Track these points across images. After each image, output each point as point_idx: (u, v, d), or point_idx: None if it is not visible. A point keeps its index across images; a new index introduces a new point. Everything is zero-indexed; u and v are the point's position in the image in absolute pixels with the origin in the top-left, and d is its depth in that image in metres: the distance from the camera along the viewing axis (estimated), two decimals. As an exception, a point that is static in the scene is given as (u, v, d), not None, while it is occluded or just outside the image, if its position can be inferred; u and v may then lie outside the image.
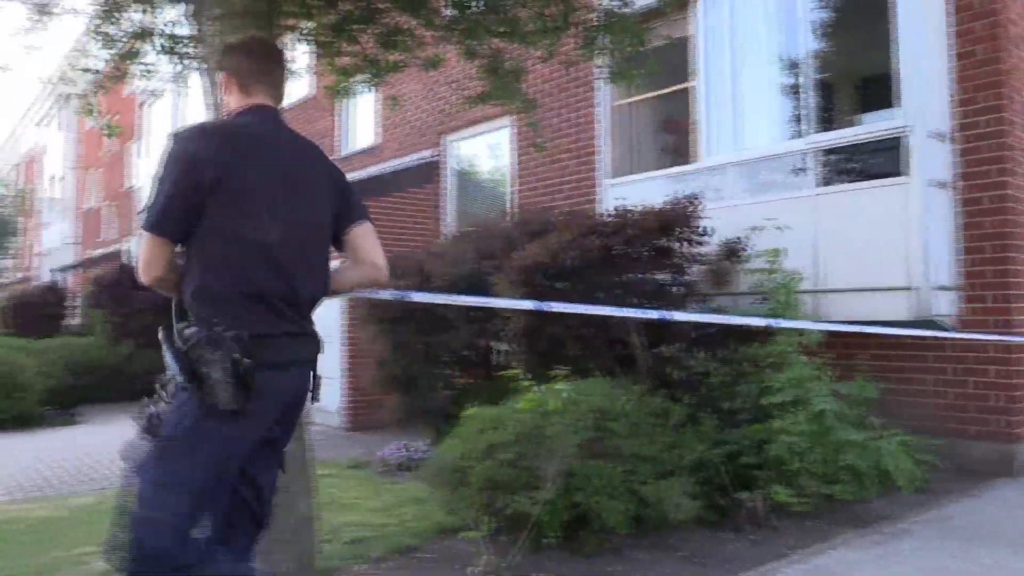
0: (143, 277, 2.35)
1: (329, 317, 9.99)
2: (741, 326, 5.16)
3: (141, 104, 21.12)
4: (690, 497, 4.43)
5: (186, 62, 4.84)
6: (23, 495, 6.68)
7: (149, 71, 4.88)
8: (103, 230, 26.94)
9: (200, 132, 2.38)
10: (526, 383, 4.76)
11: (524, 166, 9.54)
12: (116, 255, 23.60)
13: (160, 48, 4.67)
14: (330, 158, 2.63)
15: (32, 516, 5.79)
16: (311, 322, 2.37)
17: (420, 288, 7.13)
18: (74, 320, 21.65)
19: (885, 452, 4.84)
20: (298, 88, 14.57)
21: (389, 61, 5.32)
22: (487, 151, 10.63)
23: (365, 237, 2.46)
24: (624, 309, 5.08)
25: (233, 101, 2.49)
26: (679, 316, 4.95)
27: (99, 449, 8.85)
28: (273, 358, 2.20)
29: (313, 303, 2.38)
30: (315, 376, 2.36)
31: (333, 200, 2.42)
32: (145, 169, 21.23)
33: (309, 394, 2.37)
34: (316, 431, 10.13)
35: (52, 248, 32.39)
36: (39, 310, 20.21)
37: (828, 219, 6.45)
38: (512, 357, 6.38)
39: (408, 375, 7.73)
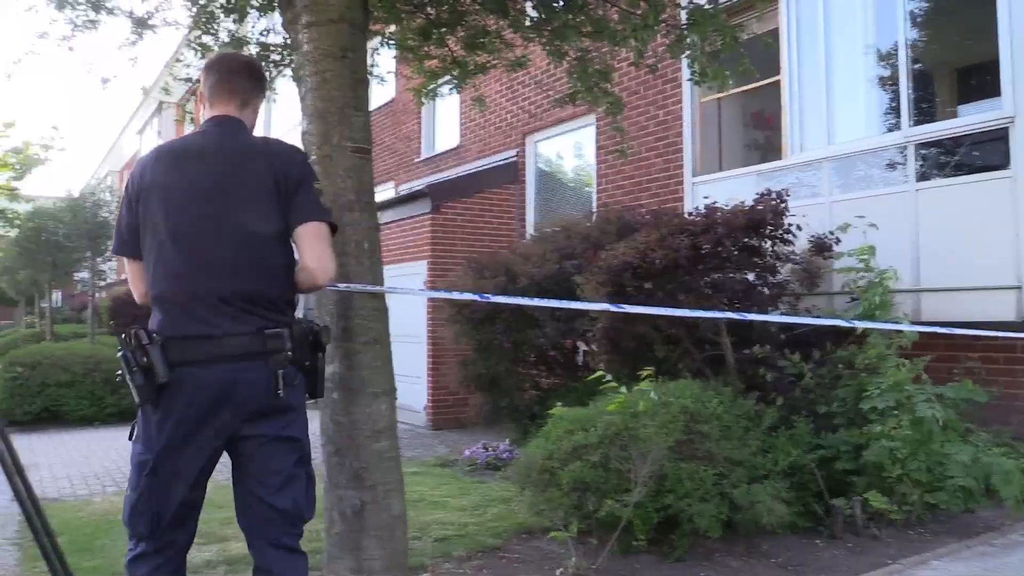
0: (136, 299, 2.57)
1: (415, 317, 10.13)
2: (831, 326, 5.00)
3: (234, 111, 21.81)
4: (783, 502, 4.31)
5: (276, 69, 4.96)
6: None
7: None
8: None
9: (140, 158, 2.55)
10: (613, 384, 4.71)
11: (608, 164, 9.47)
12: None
13: (256, 56, 4.80)
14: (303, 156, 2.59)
15: (136, 508, 6.03)
16: (243, 319, 2.35)
17: (506, 288, 7.16)
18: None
19: (996, 470, 4.58)
20: (383, 93, 14.83)
21: (475, 63, 5.35)
22: (570, 150, 10.59)
23: (303, 237, 2.42)
24: (700, 311, 4.99)
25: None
26: (763, 318, 4.83)
27: (197, 444, 9.19)
28: (179, 357, 2.31)
29: (245, 300, 2.35)
30: (269, 371, 2.33)
31: (274, 201, 2.39)
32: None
33: (258, 389, 2.35)
34: (402, 429, 10.23)
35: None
36: (139, 310, 21.04)
37: (927, 215, 6.19)
38: (598, 357, 6.33)
39: (493, 375, 7.77)
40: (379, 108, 15.06)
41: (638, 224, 7.09)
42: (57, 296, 32.54)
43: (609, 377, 4.83)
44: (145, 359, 2.28)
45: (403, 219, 10.64)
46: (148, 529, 2.41)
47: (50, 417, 10.69)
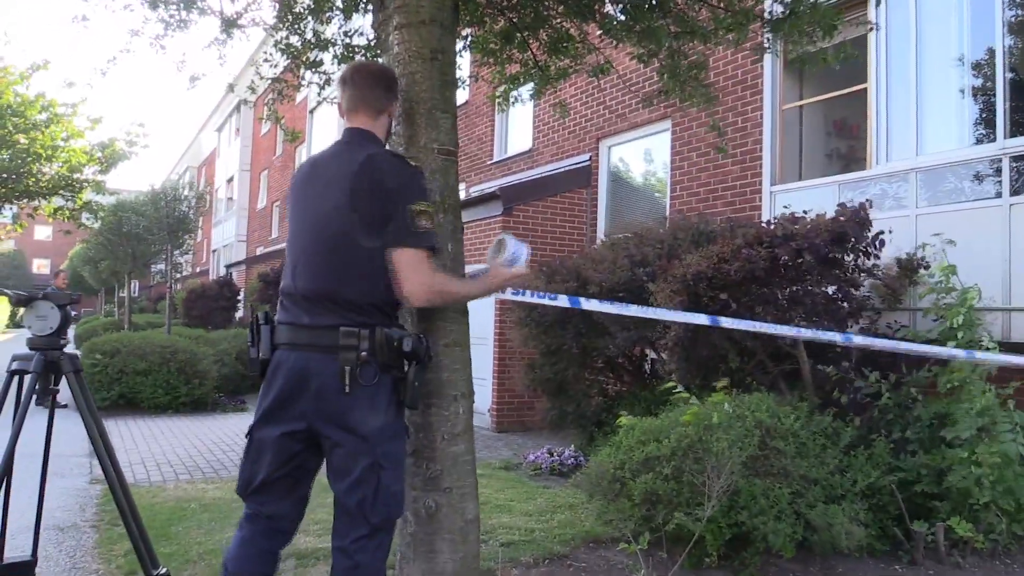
0: None
1: (482, 319, 10.15)
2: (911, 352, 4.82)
3: (312, 110, 22.24)
4: (861, 524, 4.18)
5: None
6: (200, 476, 7.14)
7: (329, 80, 5.08)
8: (272, 229, 28.58)
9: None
10: (684, 394, 4.63)
11: (683, 171, 9.35)
12: (281, 253, 24.95)
13: (339, 57, 4.85)
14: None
15: (207, 496, 6.17)
16: (322, 315, 2.51)
17: (577, 293, 7.10)
18: (242, 313, 23.08)
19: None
20: (457, 95, 14.90)
21: (557, 68, 5.32)
22: (644, 155, 10.49)
23: (396, 264, 2.53)
24: (768, 324, 4.85)
25: None
26: (828, 336, 4.68)
27: (266, 436, 9.37)
28: (278, 340, 2.59)
29: (327, 299, 2.51)
30: (339, 366, 2.44)
31: (363, 211, 2.51)
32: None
33: (327, 379, 2.45)
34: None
35: (225, 245, 34.70)
36: (213, 303, 21.65)
37: (1021, 231, 5.94)
38: (669, 366, 6.24)
39: (561, 380, 7.73)
40: (452, 110, 15.17)
41: (713, 233, 6.97)
42: (135, 286, 33.64)
43: (680, 388, 4.74)
44: (256, 336, 2.62)
45: (474, 221, 10.68)
46: (240, 490, 2.68)
47: (126, 404, 11.02)
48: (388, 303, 2.56)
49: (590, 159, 10.99)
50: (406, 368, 2.51)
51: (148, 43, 5.18)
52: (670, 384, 4.68)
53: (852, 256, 5.73)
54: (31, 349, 3.11)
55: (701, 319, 4.25)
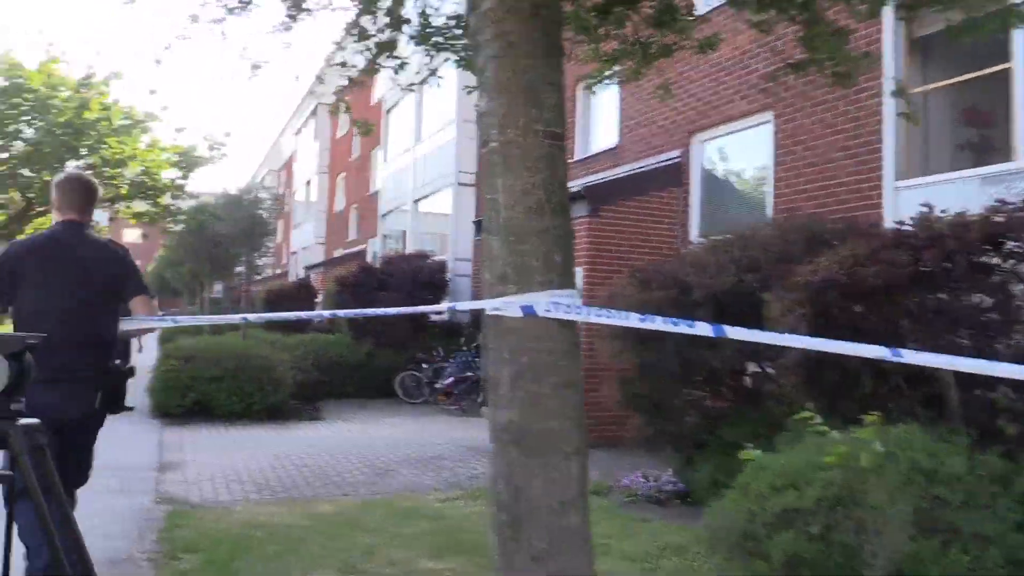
0: None
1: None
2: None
3: (388, 111, 21.95)
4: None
5: (438, 54, 4.44)
6: (271, 495, 6.70)
7: (403, 64, 4.52)
8: (349, 231, 28.50)
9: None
10: (823, 427, 3.90)
11: (787, 167, 8.53)
12: (360, 255, 24.77)
13: (417, 35, 4.29)
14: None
15: (276, 522, 5.69)
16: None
17: (677, 302, 6.43)
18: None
19: None
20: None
21: (658, 45, 4.65)
22: (742, 151, 9.69)
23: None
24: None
25: (54, 218, 3.74)
26: (934, 361, 3.87)
27: (340, 448, 8.93)
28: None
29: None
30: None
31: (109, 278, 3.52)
32: (387, 174, 22.04)
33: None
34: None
35: (304, 247, 34.89)
36: (292, 305, 21.52)
37: None
38: (787, 386, 5.49)
39: (657, 397, 7.03)
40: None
41: (827, 234, 6.20)
42: (218, 288, 34.10)
43: (818, 418, 4.01)
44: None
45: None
46: None
47: (200, 411, 10.75)
48: None
49: (681, 155, 10.23)
50: None
51: (207, 28, 4.73)
52: (806, 414, 3.95)
53: (1007, 260, 4.89)
54: None
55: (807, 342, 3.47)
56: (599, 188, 9.90)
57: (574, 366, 2.27)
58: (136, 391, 11.87)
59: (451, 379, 13.03)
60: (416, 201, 19.33)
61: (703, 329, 2.38)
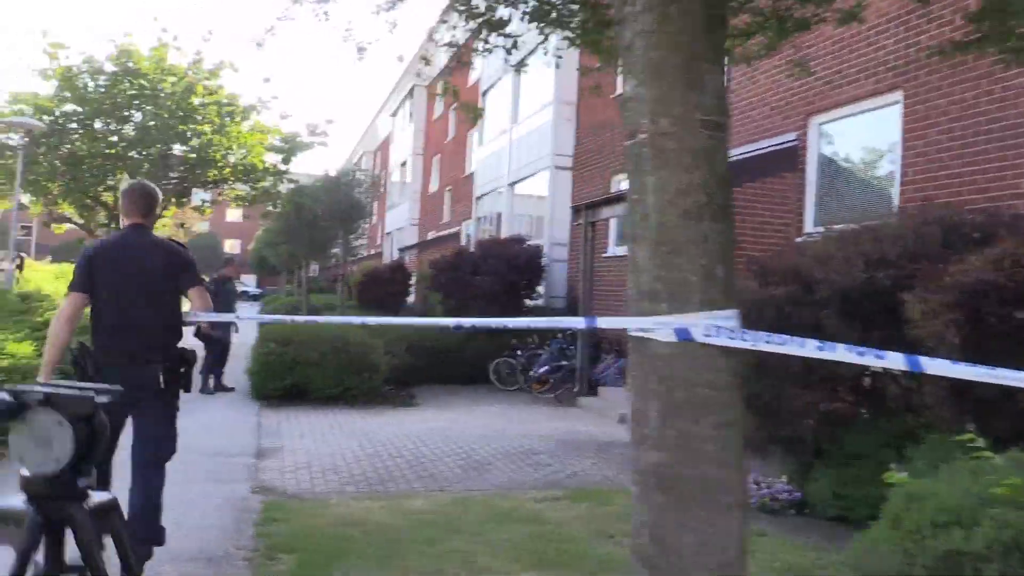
0: None
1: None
2: None
3: (485, 92, 21.72)
4: None
5: (555, 31, 4.11)
6: (366, 487, 6.57)
7: (516, 43, 4.20)
8: (443, 213, 28.52)
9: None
10: (986, 452, 3.43)
11: (917, 151, 7.85)
12: (454, 237, 24.72)
13: (531, 13, 3.96)
14: None
15: (372, 519, 5.52)
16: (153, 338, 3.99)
17: (799, 299, 5.96)
18: (412, 299, 23.02)
19: None
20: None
21: (793, 20, 4.21)
22: (866, 134, 9.01)
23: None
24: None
25: (123, 221, 4.31)
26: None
27: (434, 437, 8.76)
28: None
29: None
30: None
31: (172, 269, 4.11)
32: (482, 156, 21.85)
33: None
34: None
35: (398, 228, 35.19)
36: (386, 287, 21.65)
37: None
38: (925, 395, 4.98)
39: (772, 397, 6.55)
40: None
41: (967, 227, 5.63)
42: (314, 267, 34.75)
43: (980, 440, 3.53)
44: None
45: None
46: None
47: (298, 394, 10.78)
48: None
49: (797, 138, 9.61)
50: None
51: (310, 8, 4.54)
52: (967, 435, 3.47)
53: None
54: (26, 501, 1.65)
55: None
56: None
57: (736, 402, 1.92)
58: (236, 372, 12.09)
59: (546, 367, 12.76)
60: (512, 184, 19.07)
61: (895, 362, 1.99)
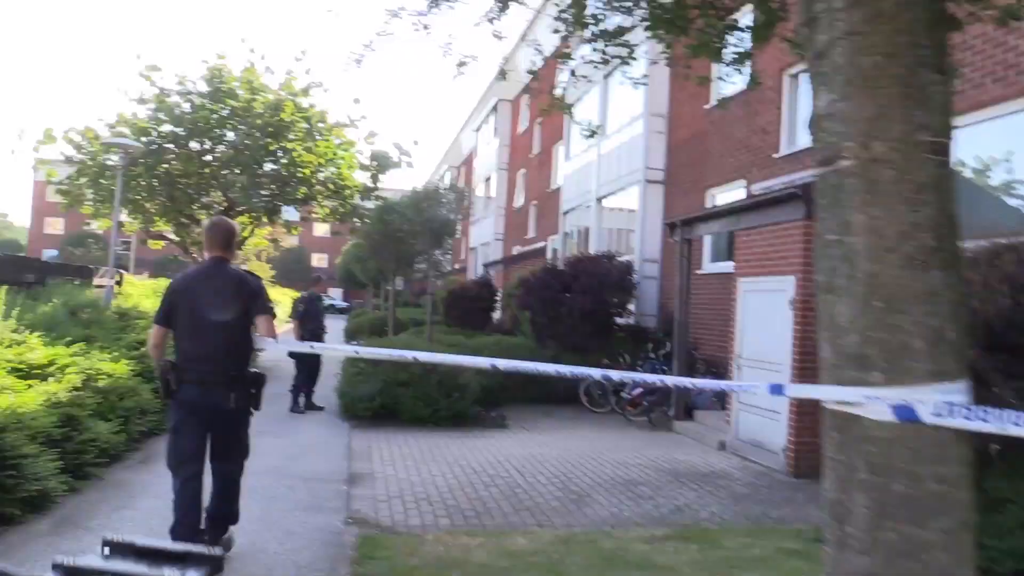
0: None
1: (774, 337, 8.62)
2: None
3: (571, 106, 21.41)
4: None
5: (676, 38, 3.76)
6: (462, 520, 6.29)
7: (632, 52, 3.87)
8: (528, 228, 28.31)
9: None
10: None
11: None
12: (540, 252, 24.46)
13: (650, 19, 3.63)
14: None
15: (471, 560, 5.23)
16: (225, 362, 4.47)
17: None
18: (498, 315, 22.83)
19: None
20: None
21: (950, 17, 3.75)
22: (998, 142, 8.32)
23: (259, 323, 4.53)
24: None
25: (204, 253, 4.74)
26: None
27: (529, 463, 8.45)
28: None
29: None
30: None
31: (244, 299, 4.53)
32: (569, 170, 21.53)
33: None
34: (753, 473, 8.80)
35: (483, 243, 35.16)
36: (472, 303, 21.52)
37: None
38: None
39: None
40: (732, 98, 13.52)
41: None
42: (399, 281, 35.03)
43: None
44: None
45: (763, 225, 9.11)
46: None
47: (387, 414, 10.63)
48: None
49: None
50: None
51: (410, 24, 4.31)
52: None
53: None
54: None
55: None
56: (791, 187, 8.81)
57: (971, 499, 1.53)
58: (325, 390, 12.04)
59: (639, 389, 12.32)
60: (600, 198, 18.69)
61: None
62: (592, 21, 3.78)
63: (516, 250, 28.62)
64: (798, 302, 8.31)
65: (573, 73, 4.25)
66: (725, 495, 7.55)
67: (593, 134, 5.03)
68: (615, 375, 3.65)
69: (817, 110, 1.65)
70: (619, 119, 17.66)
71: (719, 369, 12.33)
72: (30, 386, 6.70)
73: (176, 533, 4.44)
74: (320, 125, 20.33)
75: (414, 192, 18.15)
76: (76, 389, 7.10)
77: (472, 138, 40.90)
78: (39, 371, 7.29)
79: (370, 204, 20.90)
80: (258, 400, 4.69)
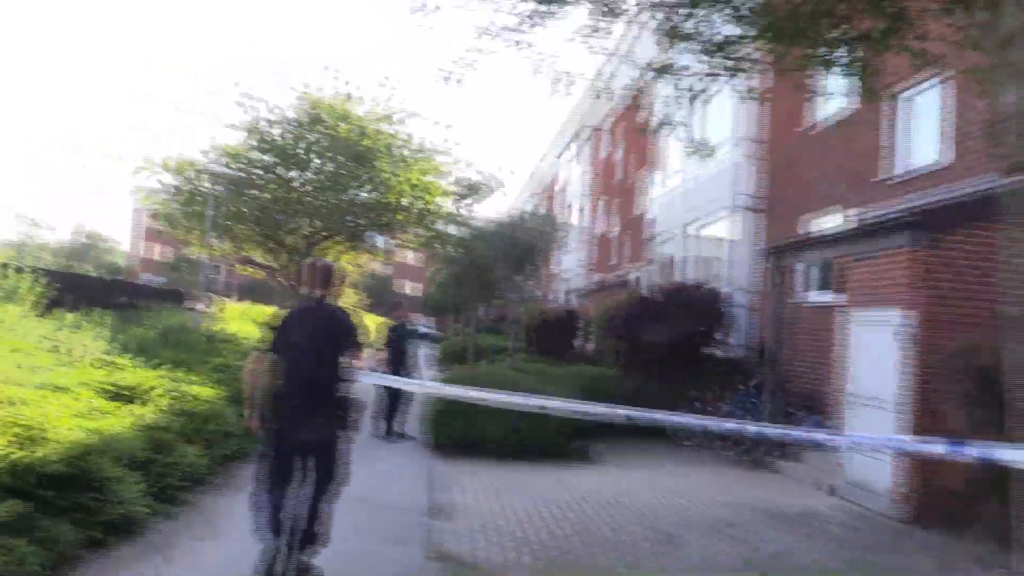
0: None
1: (880, 373, 8.09)
2: None
3: (657, 130, 21.05)
4: None
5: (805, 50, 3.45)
6: (548, 560, 6.01)
7: (754, 64, 3.58)
8: (613, 256, 27.94)
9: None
10: None
11: None
12: (625, 281, 24.07)
13: (771, 32, 3.33)
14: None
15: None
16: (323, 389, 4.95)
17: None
18: (583, 344, 22.48)
19: None
20: (827, 104, 12.76)
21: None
22: None
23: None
24: None
25: (304, 290, 5.30)
26: None
27: (616, 500, 8.09)
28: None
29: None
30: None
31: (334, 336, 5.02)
32: (656, 197, 21.14)
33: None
34: (858, 515, 8.21)
35: (565, 271, 34.91)
36: (556, 332, 21.25)
37: None
38: None
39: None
40: (829, 122, 13.01)
41: None
42: (482, 309, 35.03)
43: None
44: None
45: (871, 253, 8.59)
46: None
47: (470, 445, 10.40)
48: None
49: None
50: None
51: (503, 40, 4.12)
52: None
53: None
54: None
55: None
56: (937, 213, 8.23)
57: None
58: (410, 419, 11.92)
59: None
60: (688, 225, 18.23)
61: None
62: (699, 33, 3.52)
63: (601, 278, 28.27)
64: (921, 337, 7.74)
65: (677, 86, 3.97)
66: (829, 540, 7.05)
67: (705, 154, 4.72)
68: (752, 428, 3.31)
69: (1001, 109, 1.35)
70: (711, 144, 17.22)
71: (816, 404, 11.71)
72: (119, 408, 6.73)
73: (269, 525, 4.86)
74: (405, 152, 20.51)
75: (500, 219, 18.09)
76: (163, 412, 7.12)
77: (556, 165, 40.86)
78: (128, 393, 7.34)
79: (455, 231, 20.93)
80: (352, 425, 5.13)
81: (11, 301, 8.35)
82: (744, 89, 4.21)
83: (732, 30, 4.04)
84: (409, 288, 74.96)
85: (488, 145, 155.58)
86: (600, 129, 31.78)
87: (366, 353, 5.36)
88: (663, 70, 3.99)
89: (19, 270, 9.49)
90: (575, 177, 34.35)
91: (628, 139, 26.86)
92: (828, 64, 3.67)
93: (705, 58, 3.79)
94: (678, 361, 13.29)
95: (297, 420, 4.86)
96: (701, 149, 4.84)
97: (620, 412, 3.60)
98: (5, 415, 5.11)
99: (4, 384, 6.07)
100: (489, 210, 22.07)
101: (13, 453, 4.72)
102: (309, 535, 4.99)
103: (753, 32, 3.56)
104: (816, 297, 12.94)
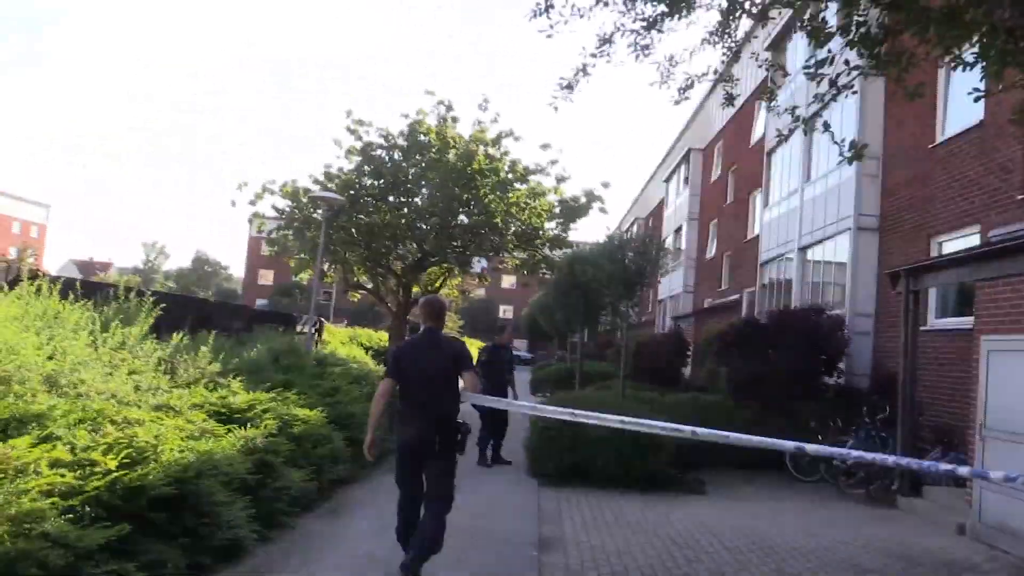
0: None
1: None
2: None
3: (770, 152, 20.35)
4: None
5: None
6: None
7: (911, 61, 3.20)
8: (721, 280, 27.13)
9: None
10: None
11: None
12: (734, 306, 23.28)
13: (932, 23, 2.95)
14: None
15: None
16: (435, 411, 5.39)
17: None
18: (689, 370, 21.79)
19: None
20: (961, 116, 11.95)
21: None
22: None
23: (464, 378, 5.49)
24: None
25: (421, 323, 5.85)
26: None
27: (734, 537, 7.58)
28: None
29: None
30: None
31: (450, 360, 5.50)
32: (767, 218, 20.38)
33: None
34: (1001, 561, 7.35)
35: (672, 295, 34.16)
36: (662, 357, 20.69)
37: None
38: None
39: None
40: (958, 134, 12.18)
41: None
42: (585, 333, 34.60)
43: None
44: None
45: (1015, 274, 7.87)
46: None
47: (578, 474, 10.05)
48: None
49: None
50: None
51: (626, 47, 3.86)
52: None
53: None
54: None
55: None
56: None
57: None
58: (513, 445, 11.65)
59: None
60: (803, 248, 17.44)
61: None
62: (854, 25, 3.17)
63: (708, 302, 27.47)
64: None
65: (832, 83, 3.60)
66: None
67: (854, 158, 4.33)
68: (910, 462, 2.91)
69: None
70: (826, 162, 16.44)
71: (950, 439, 10.84)
72: (229, 431, 6.73)
73: (398, 533, 5.54)
74: (510, 176, 20.44)
75: (605, 241, 17.74)
76: (272, 435, 7.09)
77: (661, 188, 40.22)
78: (239, 415, 7.35)
79: (558, 254, 20.69)
80: (462, 445, 5.53)
81: (131, 324, 8.54)
82: (895, 84, 3.84)
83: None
84: (501, 311, 75.20)
85: (593, 169, 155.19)
86: (707, 151, 31.09)
87: (473, 378, 5.62)
88: (820, 64, 3.63)
89: (140, 294, 9.75)
90: (682, 200, 33.67)
91: (738, 160, 26.14)
92: (1001, 57, 3.25)
93: (851, 53, 3.43)
94: (797, 390, 12.60)
95: (417, 434, 5.36)
96: (854, 149, 4.40)
97: (789, 444, 3.26)
98: (119, 436, 5.12)
99: (120, 406, 6.14)
100: (592, 233, 21.79)
101: (125, 475, 4.70)
102: (426, 542, 5.27)
103: (907, 23, 3.19)
104: (947, 323, 12.06)
